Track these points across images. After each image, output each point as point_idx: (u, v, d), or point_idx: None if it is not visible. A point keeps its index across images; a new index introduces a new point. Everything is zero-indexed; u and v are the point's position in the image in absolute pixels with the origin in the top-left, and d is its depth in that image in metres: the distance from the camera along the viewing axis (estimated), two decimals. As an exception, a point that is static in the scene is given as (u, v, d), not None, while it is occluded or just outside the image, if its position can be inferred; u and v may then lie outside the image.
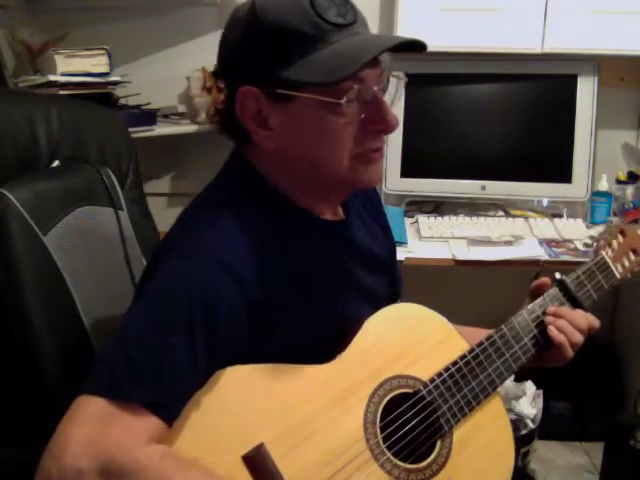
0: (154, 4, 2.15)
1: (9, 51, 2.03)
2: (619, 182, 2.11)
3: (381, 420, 0.89)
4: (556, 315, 1.02)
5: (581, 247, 1.84)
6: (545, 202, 2.19)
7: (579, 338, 1.01)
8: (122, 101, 2.00)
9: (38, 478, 0.71)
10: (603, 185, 2.05)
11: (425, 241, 1.92)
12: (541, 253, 1.80)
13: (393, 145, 2.10)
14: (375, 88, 0.85)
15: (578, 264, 1.11)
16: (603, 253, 1.13)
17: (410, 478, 0.88)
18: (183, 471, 0.73)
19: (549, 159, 2.11)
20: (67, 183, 1.14)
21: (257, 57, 0.83)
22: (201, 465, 0.75)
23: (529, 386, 2.09)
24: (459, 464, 0.92)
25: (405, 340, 0.96)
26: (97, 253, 1.16)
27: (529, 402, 2.06)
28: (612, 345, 2.35)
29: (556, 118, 2.09)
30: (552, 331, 1.00)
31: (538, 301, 1.04)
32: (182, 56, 2.18)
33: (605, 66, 2.06)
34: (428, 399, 0.93)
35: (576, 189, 2.09)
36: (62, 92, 1.78)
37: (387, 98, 0.88)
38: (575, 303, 1.05)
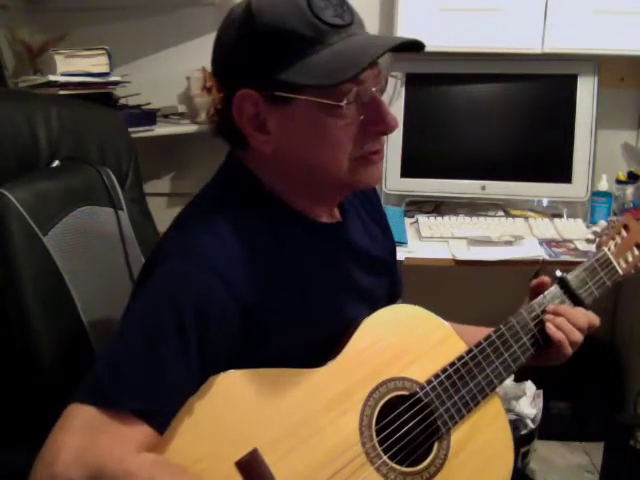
0: (154, 4, 2.15)
1: (9, 51, 2.03)
2: (619, 182, 2.11)
3: (377, 423, 0.88)
4: (555, 313, 1.01)
5: (581, 247, 1.85)
6: (545, 202, 2.18)
7: (578, 336, 1.00)
8: (122, 101, 2.00)
9: None
10: (603, 185, 2.05)
11: (425, 241, 1.92)
12: (541, 253, 1.80)
13: (393, 145, 2.10)
14: (373, 89, 0.84)
15: (578, 264, 1.10)
16: (605, 249, 1.11)
17: None
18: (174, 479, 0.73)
19: (549, 159, 2.12)
20: (67, 183, 1.14)
21: (254, 59, 0.82)
22: (193, 473, 0.75)
23: (529, 386, 2.09)
24: (457, 466, 0.92)
25: (402, 341, 0.95)
26: (97, 253, 1.15)
27: (529, 402, 2.06)
28: (612, 345, 2.35)
29: (556, 118, 2.09)
30: (550, 329, 0.99)
31: (538, 299, 1.03)
32: (182, 56, 2.18)
33: (605, 66, 2.06)
34: (425, 401, 0.92)
35: (576, 189, 2.09)
36: (62, 92, 1.78)
37: (385, 98, 0.88)
38: (576, 301, 1.04)
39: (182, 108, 2.23)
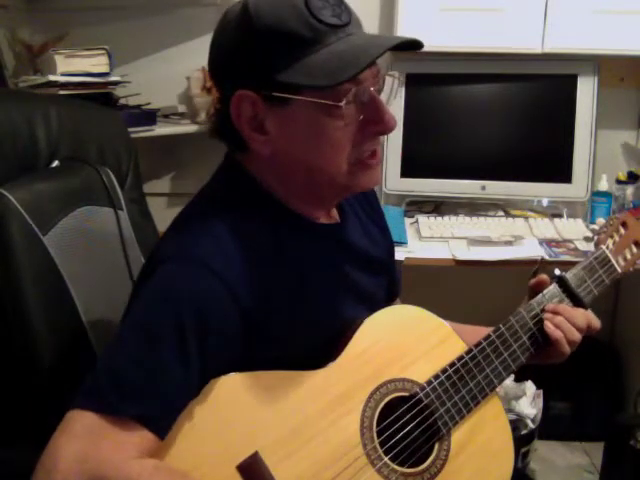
0: (154, 4, 2.15)
1: (9, 51, 2.03)
2: (619, 182, 2.11)
3: (378, 424, 0.88)
4: (554, 312, 1.01)
5: (581, 247, 1.85)
6: (545, 202, 2.18)
7: (577, 336, 1.00)
8: (122, 101, 2.00)
9: None
10: (603, 185, 2.05)
11: (425, 241, 1.92)
12: (541, 253, 1.80)
13: (393, 145, 2.10)
14: (372, 89, 0.84)
15: (576, 265, 1.09)
16: (603, 247, 1.11)
17: None
18: None
19: (549, 159, 2.12)
20: (67, 183, 1.14)
21: (252, 60, 0.81)
22: (193, 478, 0.75)
23: (529, 386, 2.09)
24: (457, 466, 0.92)
25: (402, 342, 0.95)
26: (97, 253, 1.16)
27: (529, 402, 2.06)
28: (612, 345, 2.35)
29: (556, 118, 2.09)
30: (549, 327, 0.99)
31: (537, 298, 1.03)
32: (182, 56, 2.18)
33: (605, 66, 2.06)
34: (425, 402, 0.92)
35: (576, 189, 2.09)
36: (62, 92, 1.78)
37: (383, 97, 0.87)
38: (575, 299, 1.04)
39: (182, 108, 2.23)
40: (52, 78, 1.79)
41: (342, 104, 0.80)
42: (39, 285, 1.02)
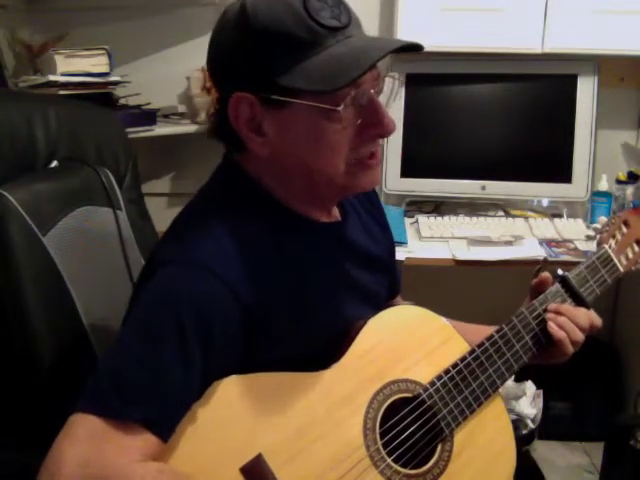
0: (154, 4, 2.15)
1: (9, 51, 2.03)
2: (619, 182, 2.11)
3: (381, 426, 0.88)
4: (557, 312, 1.01)
5: (581, 247, 1.85)
6: (545, 202, 2.19)
7: (580, 336, 1.00)
8: (122, 101, 2.00)
9: None
10: (603, 185, 2.05)
11: (425, 241, 1.92)
12: (541, 253, 1.80)
13: (393, 145, 2.10)
14: (371, 91, 0.83)
15: (578, 264, 1.09)
16: (606, 246, 1.11)
17: None
18: None
19: (549, 159, 2.12)
20: (66, 184, 1.14)
21: (250, 61, 0.81)
22: None
23: (529, 386, 2.09)
24: (460, 467, 0.92)
25: (404, 343, 0.95)
26: (96, 253, 1.15)
27: (529, 402, 2.06)
28: (612, 345, 2.35)
29: (556, 118, 2.09)
30: (552, 327, 0.99)
31: (540, 298, 1.03)
32: (182, 56, 2.18)
33: (605, 66, 2.06)
34: (428, 403, 0.92)
35: (576, 189, 2.09)
36: (62, 92, 1.78)
37: (382, 99, 0.87)
38: (578, 299, 1.04)
39: (182, 108, 2.23)
40: (52, 78, 1.79)
41: (340, 108, 0.80)
42: (39, 285, 1.02)
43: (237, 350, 0.81)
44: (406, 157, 2.12)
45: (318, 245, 0.92)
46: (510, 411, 1.99)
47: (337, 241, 0.95)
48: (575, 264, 1.08)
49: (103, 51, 1.89)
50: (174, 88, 2.23)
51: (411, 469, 0.88)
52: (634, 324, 2.27)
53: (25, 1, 2.08)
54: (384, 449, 0.87)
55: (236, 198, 0.88)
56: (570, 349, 1.00)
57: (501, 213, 2.16)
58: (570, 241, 1.90)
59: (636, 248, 1.13)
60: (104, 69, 1.89)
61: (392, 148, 2.09)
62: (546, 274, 1.05)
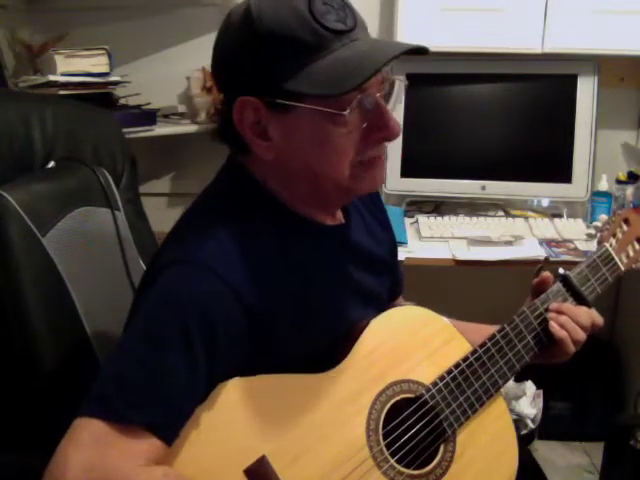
0: (154, 4, 2.15)
1: (9, 51, 2.03)
2: (619, 182, 2.11)
3: (384, 427, 0.88)
4: (558, 311, 1.01)
5: (581, 247, 1.85)
6: (545, 202, 2.18)
7: (581, 335, 0.99)
8: (122, 101, 2.00)
9: None
10: (603, 185, 2.05)
11: (425, 241, 1.91)
12: (541, 253, 1.80)
13: (393, 145, 2.06)
14: (377, 95, 0.83)
15: (578, 264, 1.09)
16: (607, 245, 1.10)
17: None
18: None
19: (549, 159, 2.11)
20: (64, 184, 1.14)
21: (255, 65, 0.80)
22: None
23: (529, 386, 2.09)
24: (462, 467, 0.92)
25: (406, 343, 0.95)
26: (95, 253, 1.16)
27: (529, 402, 2.07)
28: (612, 345, 2.35)
29: (556, 118, 2.09)
30: (554, 327, 0.99)
31: (541, 298, 1.03)
32: (182, 56, 2.18)
33: (605, 66, 2.06)
34: (431, 403, 0.92)
35: (576, 189, 2.09)
36: (62, 92, 1.78)
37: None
38: (579, 298, 1.04)
39: (182, 108, 2.23)
40: (52, 78, 1.79)
41: (346, 112, 0.79)
42: (39, 286, 1.02)
43: (241, 351, 0.81)
44: (406, 157, 2.11)
45: (322, 248, 0.92)
46: (510, 411, 1.99)
47: (341, 244, 0.95)
48: (575, 264, 1.08)
49: (103, 51, 1.89)
50: (174, 88, 2.23)
51: (414, 470, 0.88)
52: (634, 323, 2.27)
53: (25, 1, 2.08)
54: (387, 450, 0.87)
55: (240, 200, 0.88)
56: (572, 348, 1.00)
57: (501, 213, 2.16)
58: (570, 241, 1.89)
59: (637, 246, 1.13)
60: (104, 69, 1.89)
61: (392, 148, 2.09)
62: (547, 273, 1.05)
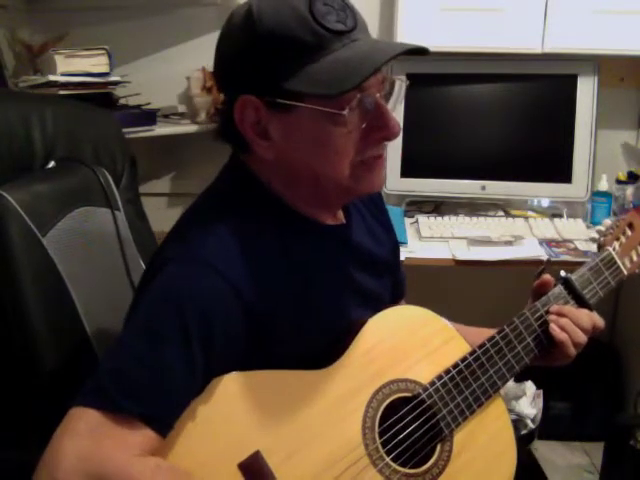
0: (154, 4, 2.15)
1: (9, 51, 2.03)
2: (619, 182, 2.11)
3: (380, 425, 0.88)
4: (559, 314, 1.00)
5: (581, 247, 1.84)
6: (545, 202, 2.19)
7: (582, 337, 0.99)
8: (122, 101, 2.00)
9: None
10: (603, 185, 2.05)
11: (425, 241, 1.91)
12: (541, 253, 1.80)
13: (393, 145, 2.08)
14: (377, 95, 0.83)
15: (578, 264, 1.09)
16: (610, 249, 1.10)
17: None
18: None
19: (549, 159, 2.11)
20: (64, 184, 1.14)
21: (256, 65, 0.81)
22: (194, 476, 0.75)
23: (529, 386, 2.09)
24: (459, 467, 0.92)
25: (405, 343, 0.95)
26: (95, 253, 1.16)
27: (529, 402, 2.06)
28: (612, 345, 2.35)
29: (556, 118, 2.09)
30: (554, 329, 0.99)
31: (542, 300, 1.03)
32: (182, 56, 2.18)
33: (605, 66, 2.06)
34: (428, 402, 0.92)
35: (576, 189, 2.09)
36: (62, 92, 1.78)
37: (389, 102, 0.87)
38: (580, 301, 1.04)
39: (182, 108, 2.23)
40: (52, 78, 1.79)
41: (345, 112, 0.80)
42: (39, 285, 1.02)
43: (239, 349, 0.82)
44: (406, 157, 2.11)
45: (323, 248, 0.92)
46: (510, 411, 1.99)
47: (342, 244, 0.95)
48: (575, 264, 1.09)
49: (103, 51, 1.89)
50: (174, 88, 2.23)
51: (410, 468, 0.88)
52: (634, 324, 2.27)
53: (25, 1, 2.08)
54: (383, 448, 0.87)
55: (242, 199, 0.89)
56: (572, 351, 1.00)
57: (501, 213, 2.16)
58: (570, 241, 1.90)
59: None
60: (104, 69, 1.89)
61: (392, 148, 2.09)
62: (547, 276, 1.05)
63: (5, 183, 1.04)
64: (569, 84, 2.06)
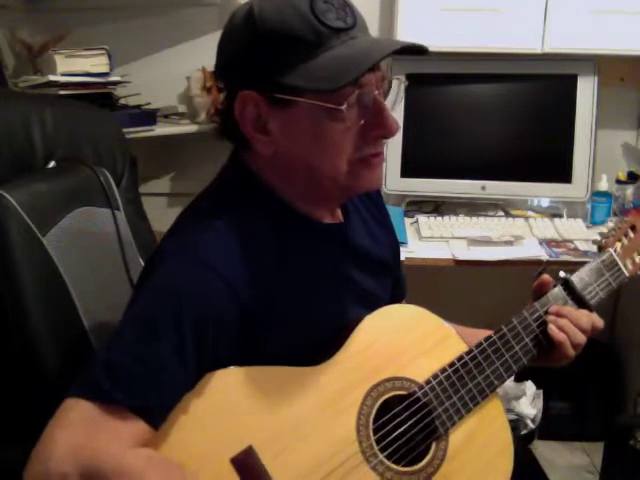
0: (154, 4, 2.15)
1: (9, 51, 2.03)
2: (619, 182, 2.11)
3: (375, 422, 0.88)
4: (558, 314, 1.00)
5: (581, 247, 1.84)
6: (545, 202, 2.19)
7: (581, 338, 0.99)
8: (122, 101, 2.00)
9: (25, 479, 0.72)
10: (603, 185, 2.05)
11: (425, 241, 1.92)
12: (541, 253, 1.80)
13: (393, 145, 2.10)
14: (376, 92, 0.84)
15: (578, 264, 1.09)
16: (611, 250, 1.10)
17: None
18: (166, 475, 0.74)
19: (549, 159, 2.11)
20: (65, 184, 1.14)
21: (256, 63, 0.82)
22: (186, 469, 0.75)
23: (529, 386, 2.10)
24: (455, 467, 0.92)
25: (400, 341, 0.95)
26: (95, 253, 1.16)
27: (529, 402, 2.07)
28: (612, 346, 2.35)
29: (556, 118, 2.09)
30: (552, 330, 0.99)
31: (541, 300, 1.02)
32: (182, 56, 2.18)
33: (605, 66, 2.06)
34: (423, 401, 0.92)
35: (576, 189, 2.09)
36: (62, 92, 1.78)
37: (388, 101, 0.87)
38: (580, 302, 1.04)
39: (182, 108, 2.23)
40: (52, 78, 1.79)
41: (343, 107, 0.81)
42: (39, 285, 1.02)
43: (233, 345, 0.82)
44: (406, 157, 2.11)
45: (320, 246, 0.92)
46: (510, 411, 1.99)
47: (339, 242, 0.96)
48: (575, 264, 1.09)
49: (103, 51, 1.90)
50: (174, 88, 2.23)
51: (404, 466, 0.88)
52: (634, 325, 2.27)
53: (25, 1, 2.08)
54: (377, 445, 0.87)
55: (241, 197, 0.89)
56: (571, 352, 1.00)
57: (501, 213, 2.16)
58: (570, 241, 1.89)
59: None
60: (104, 69, 1.90)
61: (392, 148, 2.09)
62: (546, 276, 1.05)
63: (5, 183, 1.04)
64: (569, 84, 2.06)
